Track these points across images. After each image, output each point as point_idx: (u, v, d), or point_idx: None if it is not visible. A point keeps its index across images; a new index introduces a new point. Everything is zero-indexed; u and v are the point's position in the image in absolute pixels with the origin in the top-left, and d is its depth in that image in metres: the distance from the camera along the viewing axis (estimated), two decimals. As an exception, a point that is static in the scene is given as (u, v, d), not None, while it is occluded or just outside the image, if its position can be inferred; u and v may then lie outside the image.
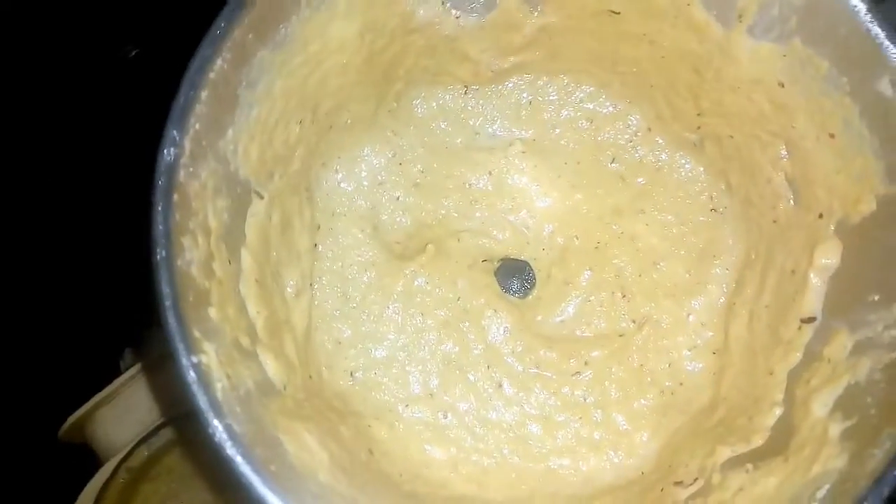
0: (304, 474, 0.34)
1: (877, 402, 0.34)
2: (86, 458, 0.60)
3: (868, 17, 0.35)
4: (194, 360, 0.30)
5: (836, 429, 0.36)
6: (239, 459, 0.29)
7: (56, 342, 0.66)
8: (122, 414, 0.60)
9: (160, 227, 0.31)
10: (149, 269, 0.31)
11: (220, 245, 0.37)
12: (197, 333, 0.31)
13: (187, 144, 0.32)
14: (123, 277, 0.67)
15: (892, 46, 0.35)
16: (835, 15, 0.37)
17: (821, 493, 0.33)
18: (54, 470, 0.62)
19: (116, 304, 0.68)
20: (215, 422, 0.29)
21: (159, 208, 0.31)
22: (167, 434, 0.55)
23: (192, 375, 0.29)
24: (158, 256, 0.30)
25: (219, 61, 0.33)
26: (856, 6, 0.36)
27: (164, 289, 0.30)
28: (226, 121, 0.36)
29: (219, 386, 0.31)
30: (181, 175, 0.32)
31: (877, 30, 0.35)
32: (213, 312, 0.34)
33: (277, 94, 0.40)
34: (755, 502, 0.36)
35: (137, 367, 0.61)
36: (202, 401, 0.29)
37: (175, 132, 0.32)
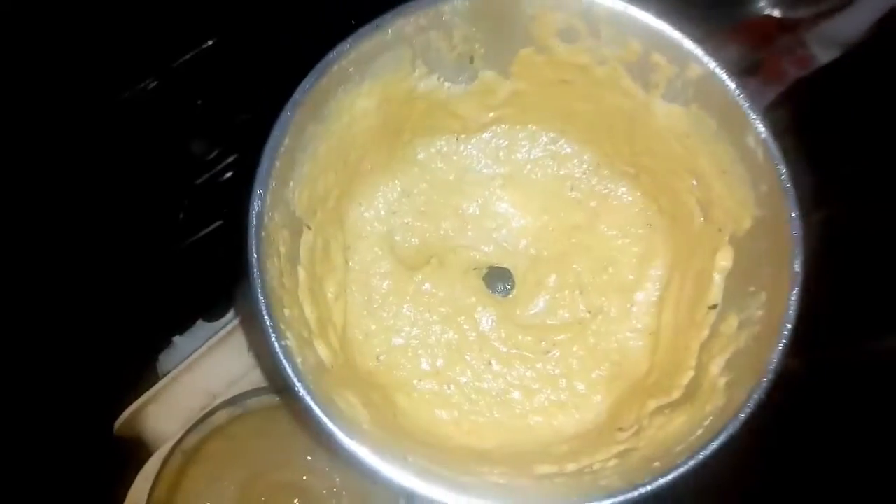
0: (354, 423, 0.48)
1: (747, 361, 0.49)
2: (139, 448, 0.67)
3: (737, 93, 0.50)
4: (283, 343, 0.45)
5: (722, 381, 0.50)
6: (315, 408, 0.44)
7: (100, 352, 0.71)
8: (169, 408, 0.67)
9: (255, 256, 0.45)
10: (248, 285, 0.46)
11: (287, 264, 0.51)
12: (282, 325, 0.46)
13: (268, 197, 0.47)
14: (155, 293, 0.75)
15: (752, 114, 0.49)
16: (717, 91, 0.50)
17: (706, 422, 0.47)
18: (112, 459, 0.68)
19: (149, 316, 0.74)
20: (299, 384, 0.44)
21: (253, 243, 0.45)
22: (212, 422, 0.62)
23: (282, 353, 0.44)
24: (255, 275, 0.45)
25: (287, 139, 0.48)
26: (730, 85, 0.50)
27: (260, 297, 0.45)
28: (288, 177, 0.51)
29: (299, 361, 0.45)
30: (265, 219, 0.47)
31: (743, 102, 0.50)
32: (287, 312, 0.49)
33: (321, 153, 0.54)
34: (670, 433, 0.49)
35: (177, 369, 0.68)
36: (291, 370, 0.44)
37: (260, 190, 0.46)
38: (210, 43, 0.72)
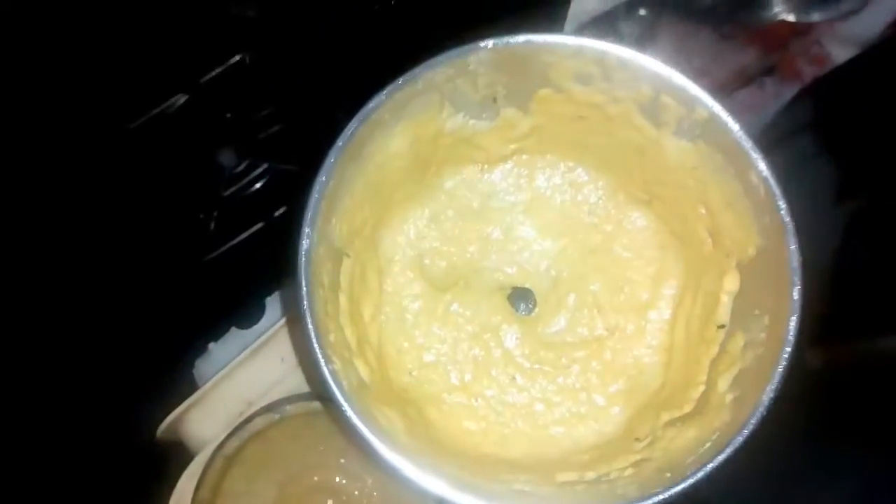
0: (392, 436, 0.54)
1: (752, 379, 0.53)
2: (181, 452, 0.68)
3: (740, 134, 0.54)
4: (330, 367, 0.50)
5: (729, 397, 0.54)
6: (362, 426, 0.49)
7: (137, 361, 0.71)
8: (209, 414, 0.69)
9: (304, 288, 0.51)
10: (300, 317, 0.51)
11: (329, 293, 0.57)
12: (328, 351, 0.51)
13: (315, 236, 0.52)
14: (190, 301, 0.77)
15: (754, 154, 0.53)
16: (722, 131, 0.54)
17: (714, 436, 0.52)
18: (154, 463, 0.69)
19: (186, 323, 0.74)
20: (346, 404, 0.49)
21: (304, 278, 0.51)
22: (251, 428, 0.64)
23: (330, 377, 0.49)
24: (305, 306, 0.50)
25: (330, 182, 0.53)
26: (733, 127, 0.55)
27: (310, 326, 0.50)
28: (330, 214, 0.56)
29: (345, 384, 0.50)
30: (313, 254, 0.52)
31: (746, 143, 0.54)
32: (332, 337, 0.54)
33: (358, 190, 0.59)
34: (681, 444, 0.53)
35: (216, 377, 0.70)
36: (339, 394, 0.49)
37: (308, 229, 0.52)
38: (238, 58, 0.72)
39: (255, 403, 0.68)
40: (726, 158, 0.55)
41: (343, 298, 0.58)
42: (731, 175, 0.56)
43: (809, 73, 0.84)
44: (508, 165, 0.67)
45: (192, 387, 0.69)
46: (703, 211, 0.62)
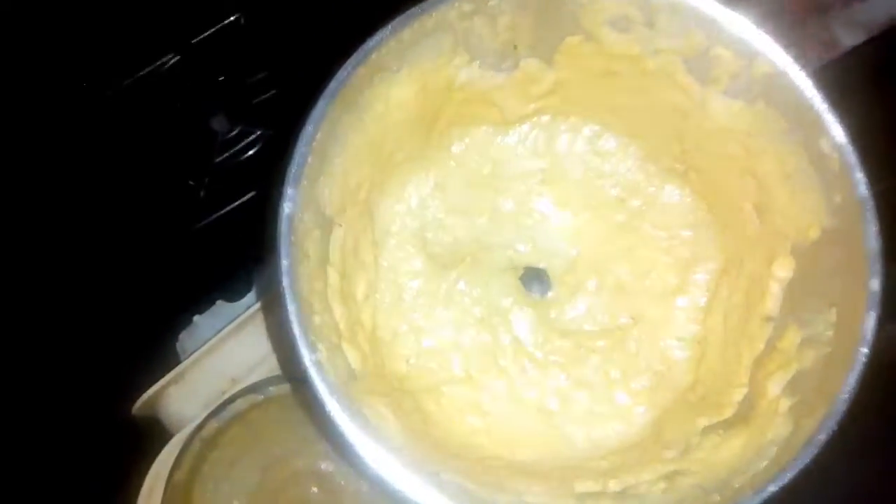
0: (385, 436, 0.45)
1: (814, 385, 0.45)
2: (157, 431, 0.66)
3: (812, 93, 0.46)
4: (314, 357, 0.42)
5: (784, 404, 0.46)
6: (352, 428, 0.41)
7: (120, 330, 0.70)
8: (189, 392, 0.66)
9: (284, 262, 0.42)
10: (278, 294, 0.43)
11: (316, 267, 0.48)
12: (312, 337, 0.42)
13: (299, 199, 0.44)
14: (174, 271, 0.75)
15: (828, 117, 0.45)
16: (787, 88, 0.46)
17: (770, 452, 0.44)
18: (129, 440, 0.66)
19: (170, 294, 0.73)
20: (332, 400, 0.41)
21: (284, 248, 0.42)
22: (233, 409, 0.61)
23: (314, 369, 0.41)
24: (285, 283, 0.42)
25: (319, 134, 0.44)
26: (804, 84, 0.46)
27: (291, 306, 0.41)
28: (319, 172, 0.47)
29: (331, 376, 0.42)
30: (296, 221, 0.43)
31: (819, 104, 0.46)
32: (317, 319, 0.45)
33: (354, 146, 0.50)
34: (725, 458, 0.46)
35: (199, 351, 0.67)
36: (323, 388, 0.41)
37: (291, 190, 0.43)
38: (233, 18, 0.70)
39: (239, 382, 0.66)
40: (791, 122, 0.47)
41: (333, 274, 0.50)
42: (795, 142, 0.48)
43: (818, 59, 0.78)
44: (525, 127, 0.60)
45: (175, 361, 0.68)
46: (752, 184, 0.53)
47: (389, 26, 0.45)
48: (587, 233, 0.61)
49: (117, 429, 0.67)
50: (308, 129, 0.43)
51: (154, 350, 0.71)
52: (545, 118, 0.60)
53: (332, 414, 0.40)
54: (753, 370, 0.52)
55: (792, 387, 0.45)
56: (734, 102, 0.50)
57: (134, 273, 0.72)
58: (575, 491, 0.50)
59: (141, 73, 0.69)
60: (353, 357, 0.50)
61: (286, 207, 0.42)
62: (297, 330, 0.41)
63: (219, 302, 0.72)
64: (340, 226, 0.52)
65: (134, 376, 0.67)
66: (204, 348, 0.67)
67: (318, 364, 0.41)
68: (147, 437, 0.66)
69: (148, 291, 0.73)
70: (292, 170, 0.42)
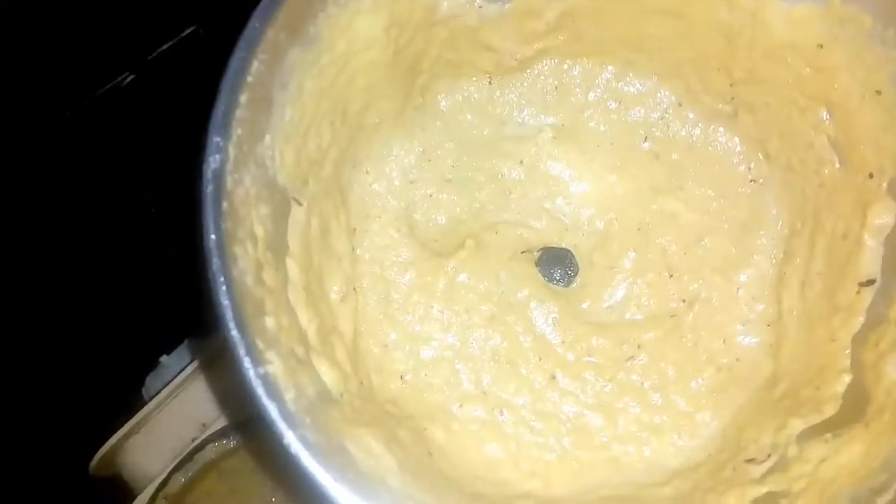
0: (376, 480, 0.33)
1: None
2: (118, 491, 0.60)
3: None
4: (261, 370, 0.29)
5: None
6: (317, 470, 0.28)
7: (75, 375, 0.65)
8: (153, 442, 0.59)
9: (212, 237, 0.30)
10: (201, 280, 0.30)
11: (267, 254, 0.36)
12: (260, 344, 0.30)
13: (231, 151, 0.31)
14: (137, 305, 0.68)
15: None
16: None
17: None
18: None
19: (132, 333, 0.67)
20: (290, 433, 0.28)
21: (210, 217, 0.30)
22: (203, 458, 0.55)
23: (261, 386, 0.28)
24: (213, 266, 0.29)
25: (255, 63, 0.32)
26: None
27: (223, 300, 0.29)
28: (263, 125, 0.35)
29: (288, 397, 0.29)
30: (228, 182, 0.31)
31: None
32: (269, 322, 0.33)
33: (308, 94, 0.39)
34: (842, 470, 0.35)
35: (163, 393, 0.60)
36: (274, 412, 0.28)
37: (218, 138, 0.31)
38: (190, 30, 0.66)
39: (210, 426, 0.60)
40: (882, 17, 0.37)
41: (293, 266, 0.38)
42: (889, 44, 0.38)
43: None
44: (529, 75, 0.50)
45: (140, 408, 0.61)
46: (825, 114, 0.42)
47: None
48: (616, 199, 0.50)
49: (73, 491, 0.62)
50: (238, 54, 0.31)
51: (116, 398, 0.65)
52: (552, 62, 0.50)
53: (292, 450, 0.27)
54: (856, 351, 0.40)
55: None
56: (797, 6, 0.40)
57: (91, 309, 0.67)
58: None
59: (99, 92, 0.64)
60: (328, 376, 0.38)
61: (212, 161, 0.30)
62: (233, 331, 0.28)
63: (187, 340, 0.66)
64: (301, 204, 0.40)
65: (93, 429, 0.62)
66: (167, 390, 0.61)
67: (267, 379, 0.28)
68: (106, 499, 0.61)
69: (108, 331, 0.67)
70: (219, 110, 0.30)
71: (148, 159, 0.69)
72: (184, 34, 0.65)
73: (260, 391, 0.28)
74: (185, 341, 0.67)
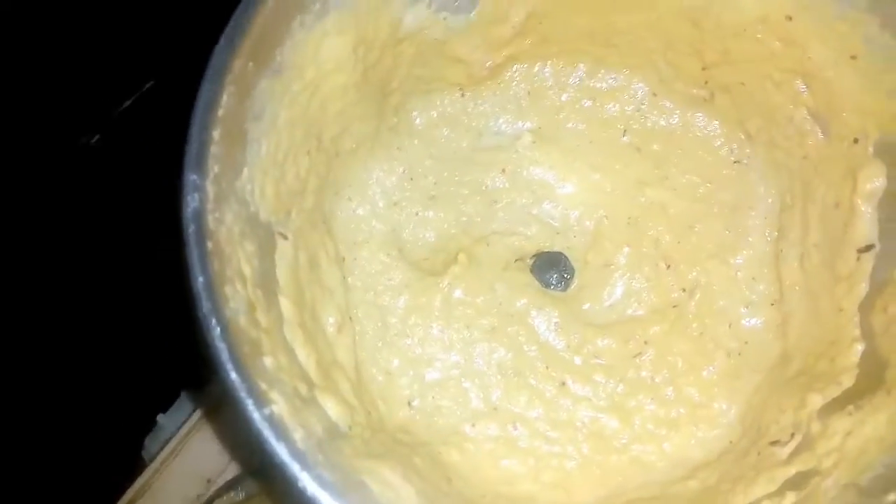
0: None
1: None
2: None
3: None
4: (266, 411, 0.27)
5: None
6: None
7: (73, 443, 0.63)
8: None
9: (200, 279, 0.28)
10: (193, 326, 0.29)
11: (258, 292, 0.34)
12: (262, 384, 0.28)
13: (210, 188, 0.30)
14: (128, 365, 0.65)
15: None
16: None
17: None
18: None
19: (126, 395, 0.65)
20: (304, 474, 0.27)
21: (195, 258, 0.28)
22: None
23: (268, 428, 0.27)
24: (205, 309, 0.28)
25: (224, 96, 0.31)
26: None
27: (219, 343, 0.28)
28: (239, 159, 0.34)
29: (297, 436, 0.28)
30: (210, 221, 0.30)
31: None
32: (268, 362, 0.31)
33: (283, 124, 0.38)
34: (871, 441, 0.34)
35: (163, 454, 0.58)
36: (285, 453, 0.27)
37: (195, 177, 0.30)
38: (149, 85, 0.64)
39: (216, 481, 0.58)
40: None
41: (286, 304, 0.37)
42: (858, 7, 0.37)
43: None
44: (501, 82, 0.50)
45: (142, 471, 0.59)
46: (802, 86, 0.42)
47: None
48: (603, 196, 0.49)
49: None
50: (207, 87, 0.30)
51: (116, 463, 0.62)
52: (522, 67, 0.49)
53: (308, 492, 0.26)
54: (865, 319, 0.40)
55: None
56: (762, -20, 0.38)
57: (83, 375, 0.64)
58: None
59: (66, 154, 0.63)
60: (334, 410, 0.36)
61: (191, 200, 0.29)
62: (233, 374, 0.27)
63: (182, 395, 0.64)
64: (286, 238, 0.39)
65: (95, 498, 0.59)
66: (167, 449, 0.58)
67: (273, 421, 0.27)
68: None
69: (102, 395, 0.64)
70: (192, 147, 0.29)
71: (126, 213, 0.67)
72: (144, 89, 0.64)
73: (268, 433, 0.27)
74: (182, 395, 0.64)
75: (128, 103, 0.64)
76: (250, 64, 0.33)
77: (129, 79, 0.64)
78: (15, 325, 0.62)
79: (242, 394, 0.27)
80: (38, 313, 0.63)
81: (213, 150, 0.31)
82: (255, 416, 0.27)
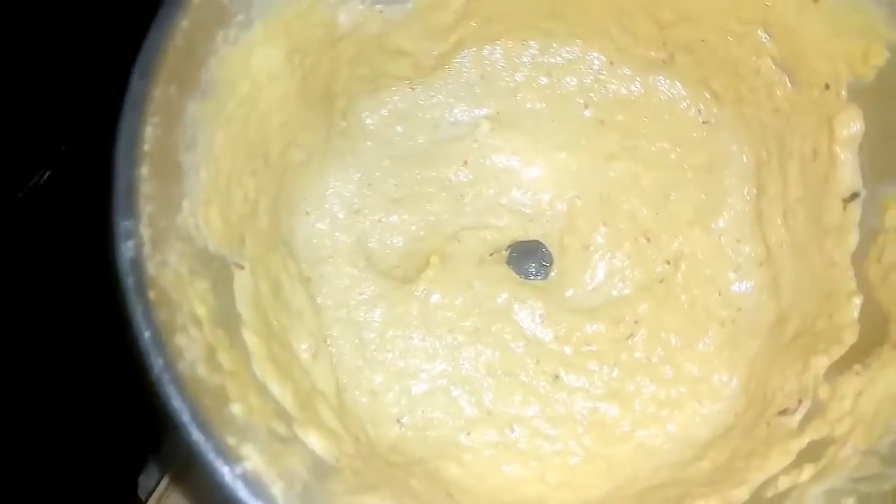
0: None
1: None
2: None
3: None
4: (238, 470, 0.25)
5: None
6: None
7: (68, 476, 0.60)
8: None
9: (146, 334, 0.26)
10: (146, 385, 0.26)
11: (217, 332, 0.32)
12: (230, 440, 0.26)
13: (144, 232, 0.27)
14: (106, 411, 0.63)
15: None
16: None
17: None
18: None
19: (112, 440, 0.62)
20: (291, 532, 0.24)
21: (139, 312, 0.26)
22: None
23: (243, 488, 0.24)
24: (156, 367, 0.25)
25: (148, 128, 0.28)
26: None
27: (175, 403, 0.25)
28: (176, 193, 0.31)
29: (276, 490, 0.26)
30: (149, 268, 0.27)
31: None
32: (236, 409, 0.29)
33: (221, 148, 0.35)
34: (884, 401, 0.32)
35: (159, 489, 0.55)
36: (272, 513, 0.24)
37: (126, 222, 0.27)
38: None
39: None
40: None
41: (252, 338, 0.34)
42: None
43: None
44: (451, 70, 0.47)
45: None
46: (764, 36, 0.40)
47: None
48: (572, 175, 0.47)
49: None
50: (128, 121, 0.27)
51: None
52: (471, 51, 0.47)
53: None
54: (859, 270, 0.38)
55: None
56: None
57: (68, 421, 0.60)
58: (689, 519, 0.34)
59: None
60: (318, 443, 0.34)
61: (124, 249, 0.26)
62: (196, 435, 0.24)
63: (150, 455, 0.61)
64: (242, 267, 0.36)
65: None
66: (164, 483, 0.56)
67: (248, 479, 0.24)
68: None
69: (89, 441, 0.61)
70: (119, 189, 0.26)
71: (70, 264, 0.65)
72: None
73: (243, 493, 0.24)
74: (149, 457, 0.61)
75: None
76: (172, 88, 0.30)
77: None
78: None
79: (210, 455, 0.25)
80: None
81: (144, 189, 0.28)
82: (227, 476, 0.24)
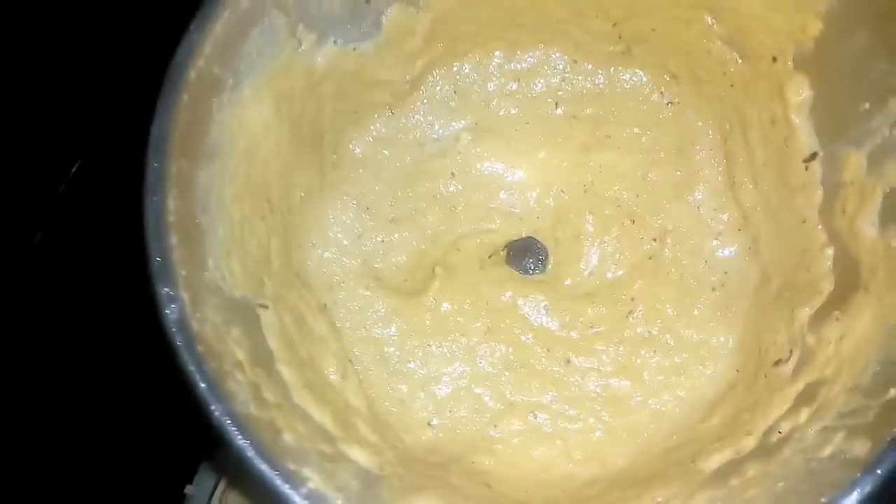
0: None
1: None
2: None
3: None
4: (304, 491, 0.28)
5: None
6: None
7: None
8: None
9: (203, 386, 0.29)
10: (208, 427, 0.29)
11: (257, 371, 0.35)
12: (291, 465, 0.29)
13: (184, 295, 0.30)
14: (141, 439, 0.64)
15: None
16: None
17: None
18: None
19: (149, 469, 0.63)
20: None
21: (192, 366, 0.29)
22: None
23: (311, 508, 0.28)
24: (218, 414, 0.28)
25: (170, 202, 0.31)
26: None
27: (239, 441, 0.28)
28: (200, 253, 0.34)
29: (339, 501, 0.29)
30: (193, 325, 0.30)
31: None
32: (288, 438, 0.32)
33: (230, 202, 0.37)
34: (863, 342, 0.35)
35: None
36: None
37: (167, 289, 0.30)
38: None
39: None
40: None
41: (287, 371, 0.37)
42: None
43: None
44: (425, 90, 0.50)
45: None
46: (710, 19, 0.43)
47: (193, 24, 0.32)
48: (553, 172, 0.50)
49: None
50: (152, 199, 0.30)
51: None
52: (442, 70, 0.49)
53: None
54: (827, 223, 0.41)
55: (891, 215, 0.35)
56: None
57: (103, 460, 0.62)
58: (706, 472, 0.38)
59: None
60: (363, 457, 0.37)
61: (170, 313, 0.29)
62: (264, 468, 0.27)
63: (203, 465, 0.61)
64: (266, 306, 0.39)
65: None
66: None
67: (314, 499, 0.27)
68: None
69: (138, 452, 0.62)
70: (155, 261, 0.29)
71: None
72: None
73: (313, 512, 0.28)
74: (202, 464, 0.61)
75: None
76: (183, 161, 0.33)
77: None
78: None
79: (278, 482, 0.28)
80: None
81: (175, 256, 0.31)
82: (296, 498, 0.28)
